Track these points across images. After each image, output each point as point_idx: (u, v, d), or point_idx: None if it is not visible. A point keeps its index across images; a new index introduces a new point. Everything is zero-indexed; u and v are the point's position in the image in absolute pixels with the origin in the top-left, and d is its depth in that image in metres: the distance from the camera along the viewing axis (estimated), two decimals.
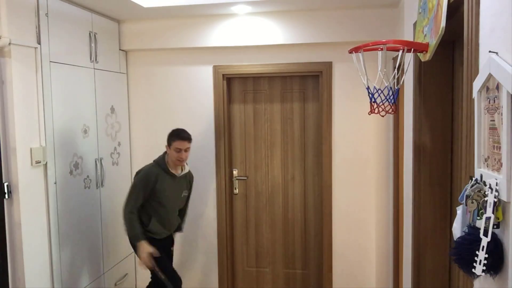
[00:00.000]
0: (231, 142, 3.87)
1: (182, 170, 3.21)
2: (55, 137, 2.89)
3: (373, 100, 1.98)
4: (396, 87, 1.98)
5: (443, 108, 2.13)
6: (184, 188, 3.26)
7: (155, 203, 3.09)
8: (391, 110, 2.00)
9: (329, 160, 3.60)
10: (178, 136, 3.09)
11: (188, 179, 3.32)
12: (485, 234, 1.05)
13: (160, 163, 3.11)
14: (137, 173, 3.14)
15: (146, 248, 2.95)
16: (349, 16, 3.38)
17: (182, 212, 3.37)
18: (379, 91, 1.97)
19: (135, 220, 3.00)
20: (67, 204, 3.01)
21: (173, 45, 3.66)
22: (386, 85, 1.96)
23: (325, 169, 3.62)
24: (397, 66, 1.88)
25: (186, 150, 3.10)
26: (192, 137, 3.79)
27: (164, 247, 3.19)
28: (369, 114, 2.08)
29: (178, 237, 3.89)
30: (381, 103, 1.98)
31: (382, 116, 2.05)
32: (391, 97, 1.97)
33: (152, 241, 3.02)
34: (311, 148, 3.76)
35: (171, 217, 3.21)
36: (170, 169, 3.12)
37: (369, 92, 1.99)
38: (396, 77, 1.93)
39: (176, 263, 3.91)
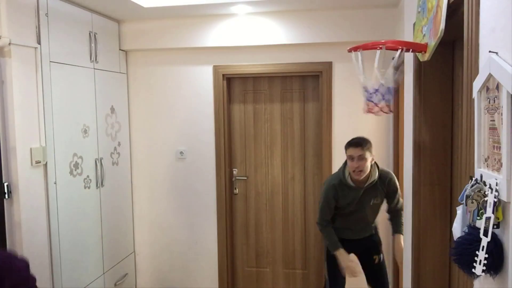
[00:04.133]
0: (231, 142, 3.87)
1: (368, 179, 2.82)
2: (55, 137, 2.89)
3: (369, 99, 1.97)
4: (391, 86, 1.98)
5: (443, 108, 2.12)
6: (374, 196, 2.88)
7: (342, 214, 2.93)
8: (387, 110, 1.99)
9: (329, 160, 3.60)
10: (349, 142, 2.80)
11: (380, 186, 2.88)
12: (485, 234, 1.05)
13: (340, 175, 2.86)
14: (324, 183, 2.98)
15: (345, 256, 2.87)
16: (349, 16, 3.38)
17: (394, 214, 2.98)
18: (376, 91, 1.97)
19: (330, 232, 2.90)
20: (67, 204, 3.01)
21: (173, 45, 3.66)
22: (384, 84, 1.96)
23: (325, 169, 3.61)
24: (395, 66, 1.88)
25: (360, 158, 2.71)
26: (192, 137, 3.81)
27: (351, 248, 2.96)
28: (365, 113, 2.08)
29: (178, 237, 3.90)
30: (378, 103, 1.98)
31: (379, 115, 2.05)
32: (388, 97, 1.96)
33: (342, 242, 2.91)
34: (311, 148, 3.76)
35: (354, 224, 2.97)
36: (350, 181, 2.81)
37: (365, 91, 1.99)
38: (394, 77, 1.93)
39: (176, 263, 3.92)
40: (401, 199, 2.92)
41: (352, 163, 2.75)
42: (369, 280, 3.05)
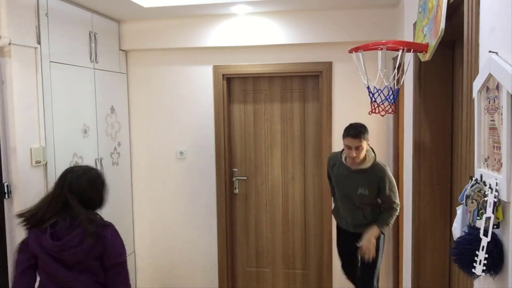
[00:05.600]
0: (231, 142, 3.87)
1: (360, 164, 2.81)
2: (55, 137, 2.88)
3: (373, 99, 1.98)
4: (396, 87, 1.98)
5: (443, 108, 2.13)
6: (362, 185, 2.82)
7: (338, 196, 3.03)
8: (391, 110, 2.00)
9: None
10: (347, 132, 2.76)
11: (371, 177, 2.81)
12: (485, 234, 1.05)
13: (339, 152, 2.96)
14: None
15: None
16: (349, 16, 3.38)
17: (383, 210, 2.91)
18: (379, 91, 1.97)
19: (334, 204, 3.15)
20: None
21: (173, 45, 3.66)
22: (386, 85, 1.96)
23: (325, 169, 3.61)
24: (397, 66, 1.88)
25: (358, 148, 2.72)
26: (192, 137, 3.81)
27: (344, 239, 3.08)
28: (370, 114, 2.08)
29: (178, 237, 3.90)
30: (381, 103, 1.98)
31: (382, 115, 2.05)
32: (391, 97, 1.97)
33: (338, 228, 3.14)
34: (311, 148, 3.76)
35: (343, 209, 2.98)
36: (344, 160, 2.88)
37: (369, 92, 1.99)
38: (396, 77, 1.93)
39: (176, 263, 3.92)
40: (395, 201, 2.83)
41: (350, 152, 2.74)
42: (353, 273, 3.09)
